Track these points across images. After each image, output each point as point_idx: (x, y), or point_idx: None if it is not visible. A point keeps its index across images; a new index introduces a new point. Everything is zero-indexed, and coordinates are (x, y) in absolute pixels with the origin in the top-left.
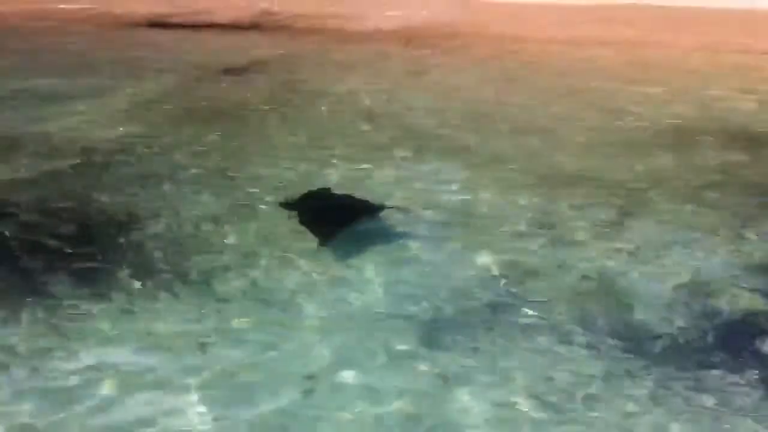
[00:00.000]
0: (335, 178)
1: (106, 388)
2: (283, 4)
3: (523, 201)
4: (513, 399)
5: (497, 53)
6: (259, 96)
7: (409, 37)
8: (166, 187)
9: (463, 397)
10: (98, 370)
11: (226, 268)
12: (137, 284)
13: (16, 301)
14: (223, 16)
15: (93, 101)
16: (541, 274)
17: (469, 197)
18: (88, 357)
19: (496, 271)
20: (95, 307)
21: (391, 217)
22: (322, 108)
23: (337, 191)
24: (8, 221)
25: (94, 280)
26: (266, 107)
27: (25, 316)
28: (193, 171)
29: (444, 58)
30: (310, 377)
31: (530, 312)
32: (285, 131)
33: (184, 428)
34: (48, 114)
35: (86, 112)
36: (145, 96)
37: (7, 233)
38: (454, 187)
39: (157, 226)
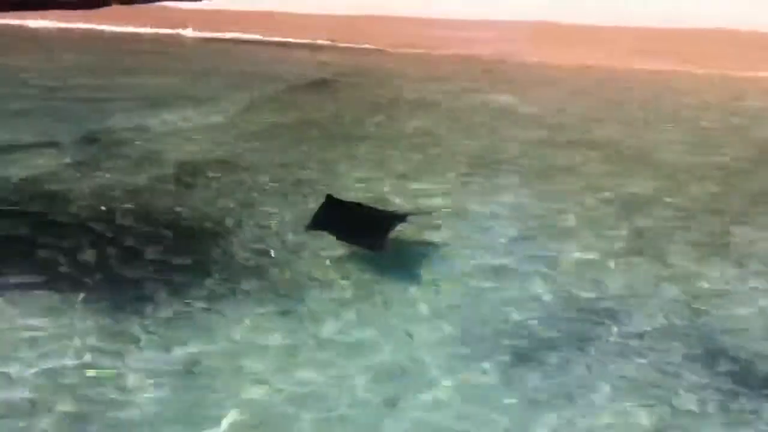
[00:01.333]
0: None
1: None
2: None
3: None
4: None
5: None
6: (350, 109)
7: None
8: (256, 196)
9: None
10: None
11: (314, 279)
12: (224, 291)
13: (114, 299)
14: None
15: (189, 111)
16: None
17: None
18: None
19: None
20: (182, 310)
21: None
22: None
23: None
24: (106, 223)
25: (184, 287)
26: (357, 120)
27: (125, 325)
28: (284, 182)
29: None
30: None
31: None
32: (374, 144)
33: None
34: (150, 121)
35: (182, 121)
36: (239, 107)
37: (106, 235)
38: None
39: (247, 236)
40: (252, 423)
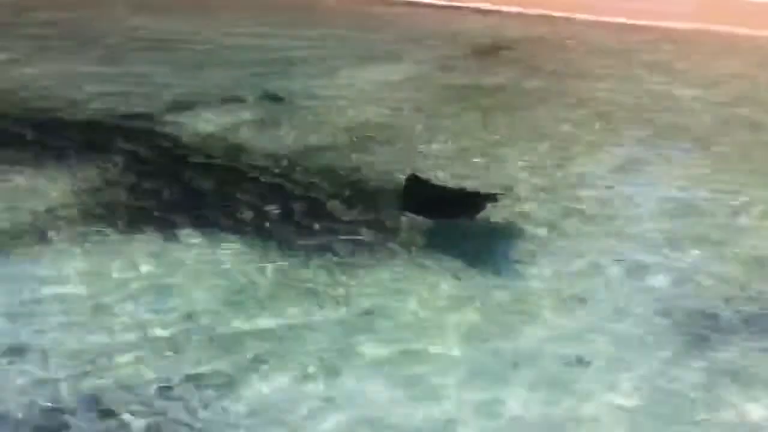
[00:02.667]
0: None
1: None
2: None
3: None
4: None
5: None
6: (515, 79)
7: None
8: (420, 165)
9: None
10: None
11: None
12: (406, 256)
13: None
14: None
15: (352, 77)
16: None
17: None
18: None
19: None
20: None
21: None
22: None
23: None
24: (289, 179)
25: (360, 250)
26: (522, 90)
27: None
28: (447, 152)
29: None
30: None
31: None
32: (540, 116)
33: None
34: (326, 81)
35: (347, 86)
36: (401, 74)
37: (290, 190)
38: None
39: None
40: None
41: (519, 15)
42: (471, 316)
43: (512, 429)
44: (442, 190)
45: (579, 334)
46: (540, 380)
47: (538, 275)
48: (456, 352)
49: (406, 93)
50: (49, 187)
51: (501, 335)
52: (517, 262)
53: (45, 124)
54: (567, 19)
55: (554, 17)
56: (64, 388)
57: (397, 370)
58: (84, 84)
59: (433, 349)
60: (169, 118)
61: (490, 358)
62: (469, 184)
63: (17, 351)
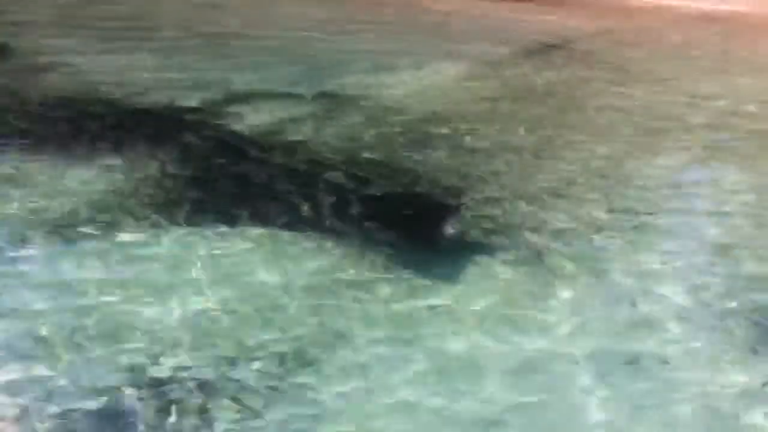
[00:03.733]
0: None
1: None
2: None
3: None
4: None
5: None
6: (583, 74)
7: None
8: (479, 161)
9: None
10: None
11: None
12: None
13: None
14: None
15: (415, 72)
16: None
17: None
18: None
19: None
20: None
21: None
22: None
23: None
24: (345, 174)
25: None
26: (588, 87)
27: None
28: (506, 148)
29: None
30: None
31: None
32: (605, 114)
33: None
34: (376, 81)
35: (409, 82)
36: (461, 70)
37: (346, 185)
38: None
39: (477, 198)
40: None
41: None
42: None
43: None
44: None
45: None
46: None
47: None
48: None
49: (465, 90)
50: (107, 178)
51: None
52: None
53: (104, 114)
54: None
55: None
56: None
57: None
58: (143, 74)
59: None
60: (226, 111)
61: None
62: (527, 182)
63: None
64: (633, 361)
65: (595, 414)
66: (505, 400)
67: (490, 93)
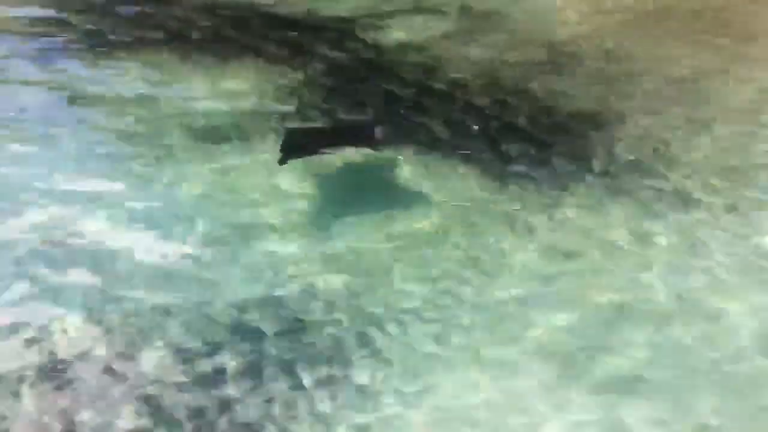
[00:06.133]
0: None
1: None
2: None
3: None
4: None
5: None
6: None
7: None
8: (625, 89)
9: None
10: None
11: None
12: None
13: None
14: None
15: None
16: None
17: None
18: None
19: None
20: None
21: None
22: None
23: None
24: (483, 95)
25: (552, 174)
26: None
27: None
28: (657, 78)
29: None
30: None
31: None
32: None
33: None
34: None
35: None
36: None
37: (483, 107)
38: None
39: (620, 128)
40: None
41: None
42: None
43: None
44: None
45: None
46: None
47: None
48: None
49: (612, 15)
50: (246, 88)
51: None
52: None
53: (247, 23)
54: None
55: None
56: None
57: None
58: None
59: None
60: (368, 24)
61: None
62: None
63: None
64: None
65: None
66: None
67: (636, 21)
